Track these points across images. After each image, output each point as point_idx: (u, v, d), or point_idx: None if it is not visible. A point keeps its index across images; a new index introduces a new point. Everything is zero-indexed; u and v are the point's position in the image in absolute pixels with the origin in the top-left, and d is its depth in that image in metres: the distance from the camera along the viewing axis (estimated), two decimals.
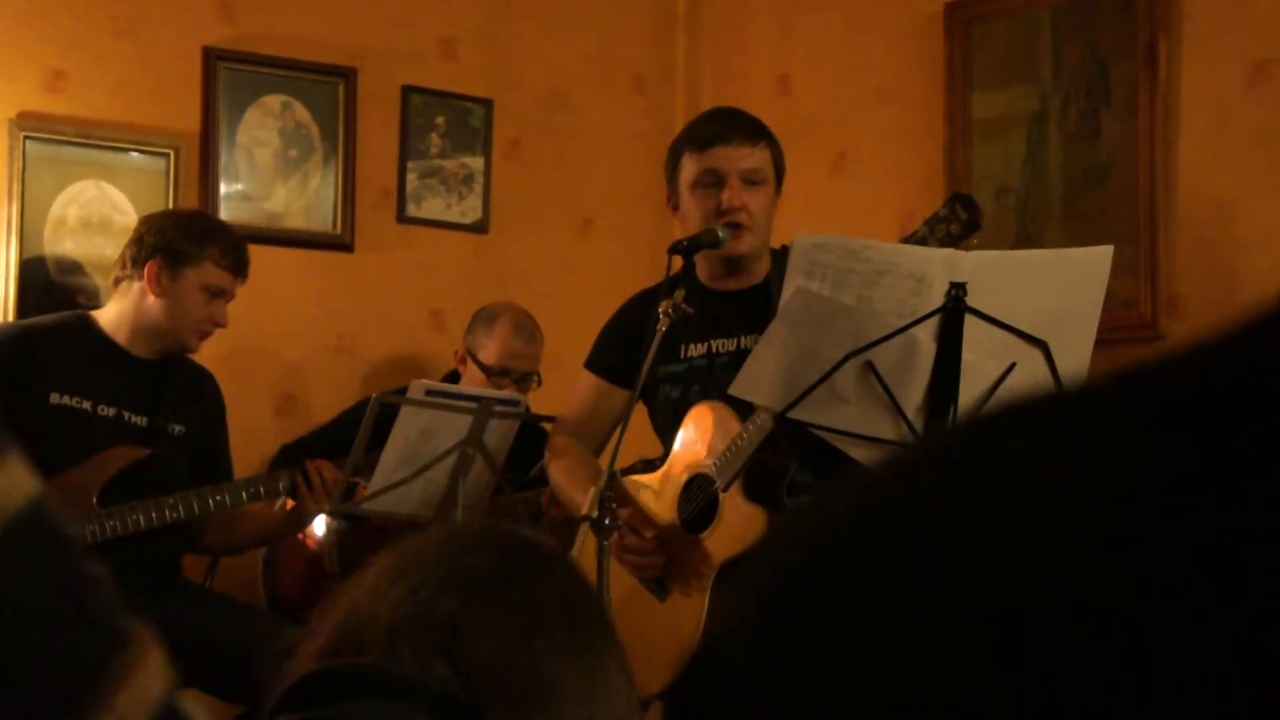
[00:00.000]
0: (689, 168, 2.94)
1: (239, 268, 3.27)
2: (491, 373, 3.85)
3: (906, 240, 2.55)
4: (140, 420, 3.23)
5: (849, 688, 0.36)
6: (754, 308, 2.86)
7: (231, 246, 3.27)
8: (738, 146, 2.91)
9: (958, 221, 2.52)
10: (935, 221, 2.54)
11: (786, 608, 0.39)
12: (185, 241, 3.20)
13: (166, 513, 3.13)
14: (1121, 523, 0.34)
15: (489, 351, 3.88)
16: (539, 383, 3.92)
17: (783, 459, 2.72)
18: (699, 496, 2.82)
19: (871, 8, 4.33)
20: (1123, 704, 0.33)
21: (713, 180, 2.90)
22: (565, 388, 3.46)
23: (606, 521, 2.51)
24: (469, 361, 3.91)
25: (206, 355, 3.54)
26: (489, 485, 3.27)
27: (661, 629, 2.79)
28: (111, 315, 3.26)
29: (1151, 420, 0.36)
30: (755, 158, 2.92)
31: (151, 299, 3.20)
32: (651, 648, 2.76)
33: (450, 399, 3.26)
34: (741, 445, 2.70)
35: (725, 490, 2.75)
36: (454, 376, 3.97)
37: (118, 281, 3.27)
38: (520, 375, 3.87)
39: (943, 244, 2.50)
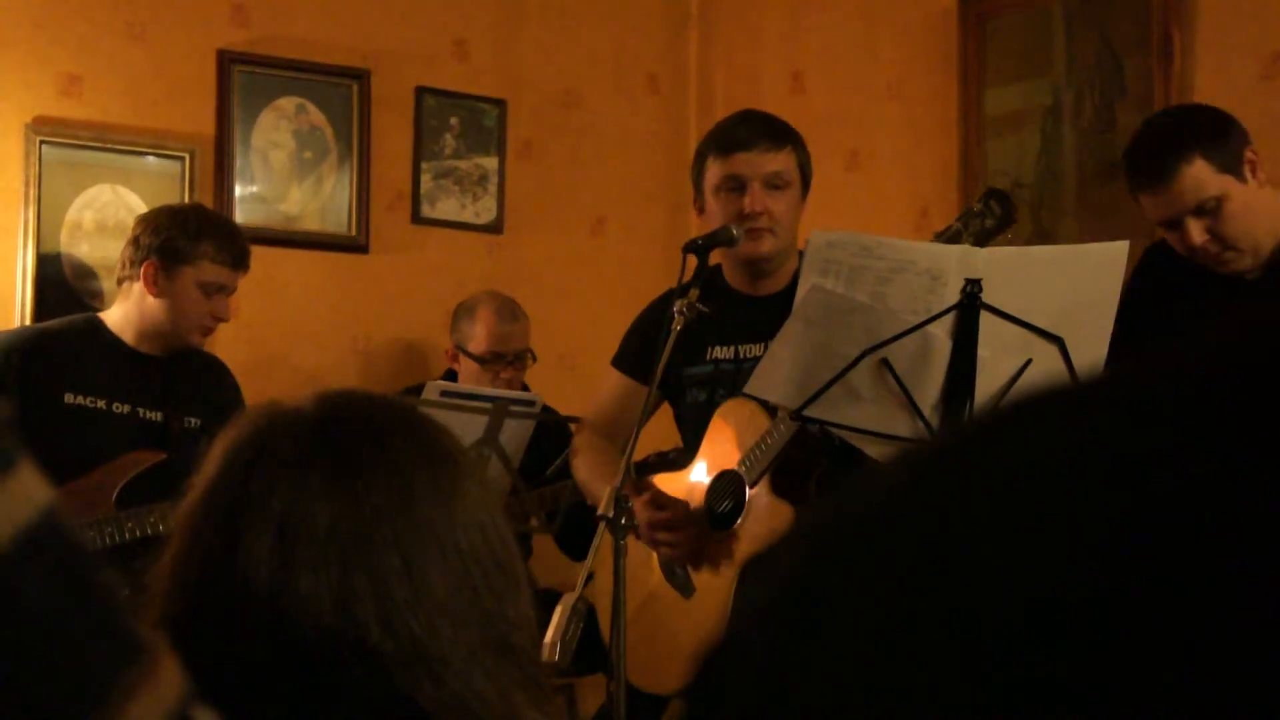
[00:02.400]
0: (713, 172, 2.94)
1: (237, 262, 3.25)
2: (484, 360, 3.88)
3: (940, 236, 2.53)
4: (155, 416, 3.24)
5: (864, 687, 0.36)
6: (783, 314, 2.84)
7: (228, 241, 3.24)
8: (761, 152, 2.90)
9: (992, 216, 2.51)
10: (969, 216, 2.53)
11: (801, 607, 0.39)
12: (180, 240, 3.19)
13: None
14: (1130, 522, 0.34)
15: (477, 340, 3.91)
16: (534, 359, 3.94)
17: (812, 456, 2.71)
18: (726, 493, 2.81)
19: (884, 4, 4.33)
20: (1134, 703, 0.33)
21: (735, 185, 2.90)
22: (582, 387, 3.46)
23: (623, 521, 2.51)
24: (460, 356, 3.94)
25: (223, 358, 3.55)
26: (506, 486, 3.27)
27: (688, 626, 2.79)
28: (117, 315, 3.26)
29: (1161, 416, 0.36)
30: (779, 162, 2.91)
31: (151, 299, 3.20)
32: (678, 645, 2.76)
33: (466, 399, 3.26)
34: (771, 442, 2.70)
35: (754, 486, 2.75)
36: (450, 376, 3.99)
37: (120, 282, 3.28)
38: (513, 356, 3.90)
39: (977, 239, 2.49)
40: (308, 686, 0.99)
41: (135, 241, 3.22)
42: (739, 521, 2.77)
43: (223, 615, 1.01)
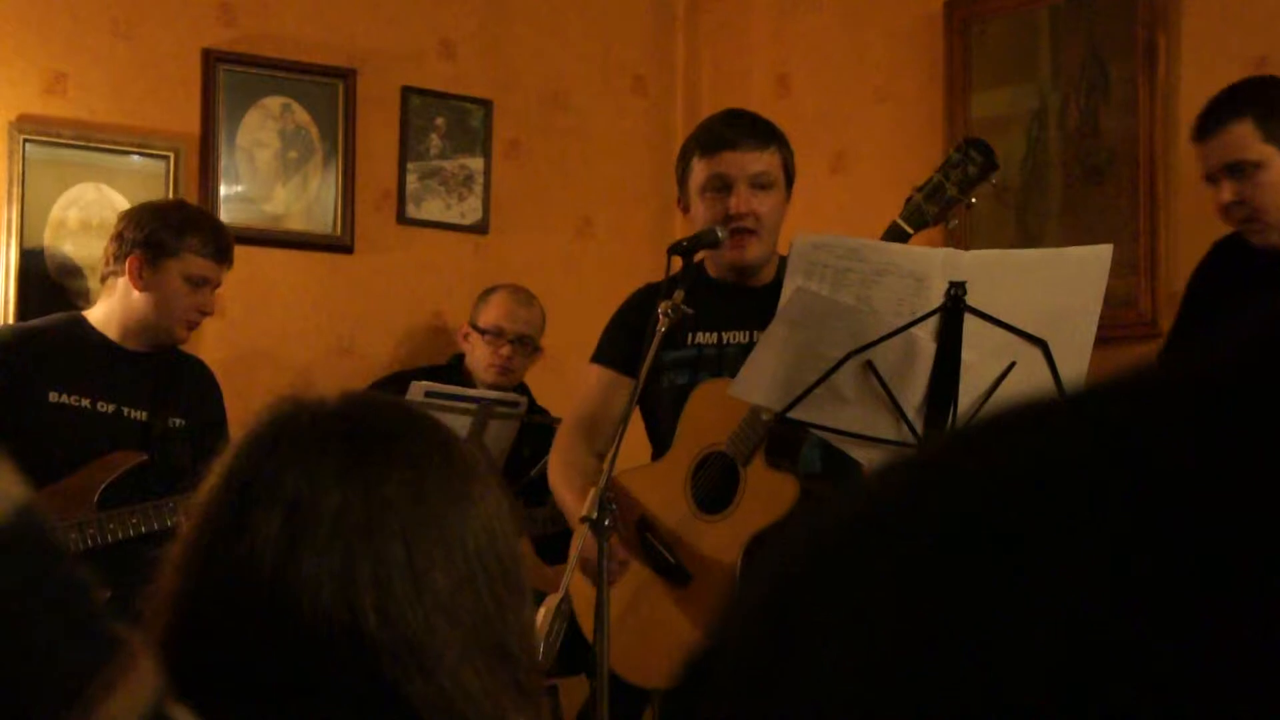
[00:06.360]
0: (698, 172, 2.93)
1: (221, 255, 3.25)
2: (487, 332, 3.93)
3: (921, 189, 2.53)
4: (140, 415, 3.22)
5: (847, 697, 0.36)
6: (767, 305, 2.82)
7: (212, 235, 3.24)
8: (746, 151, 2.89)
9: (973, 164, 2.51)
10: (949, 166, 2.52)
11: (787, 614, 0.39)
12: (164, 233, 3.19)
13: (166, 517, 3.12)
14: (1127, 533, 0.34)
15: (487, 316, 3.97)
16: (536, 349, 3.97)
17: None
18: (715, 477, 2.79)
19: (870, 7, 4.33)
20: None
21: (720, 185, 2.89)
22: (568, 387, 3.45)
23: (606, 523, 2.50)
24: (471, 335, 3.98)
25: (207, 357, 3.54)
26: None
27: (686, 617, 2.76)
28: (101, 312, 3.26)
29: (1153, 426, 0.36)
30: (764, 161, 2.90)
31: (136, 294, 3.19)
32: (676, 637, 2.72)
33: (450, 400, 3.26)
34: (759, 419, 2.68)
35: (747, 465, 2.74)
36: (458, 360, 4.00)
37: (104, 278, 3.27)
38: (515, 336, 3.92)
39: (960, 187, 2.48)
40: (297, 669, 1.00)
41: (119, 236, 3.22)
42: (734, 502, 2.76)
43: (226, 592, 1.02)
